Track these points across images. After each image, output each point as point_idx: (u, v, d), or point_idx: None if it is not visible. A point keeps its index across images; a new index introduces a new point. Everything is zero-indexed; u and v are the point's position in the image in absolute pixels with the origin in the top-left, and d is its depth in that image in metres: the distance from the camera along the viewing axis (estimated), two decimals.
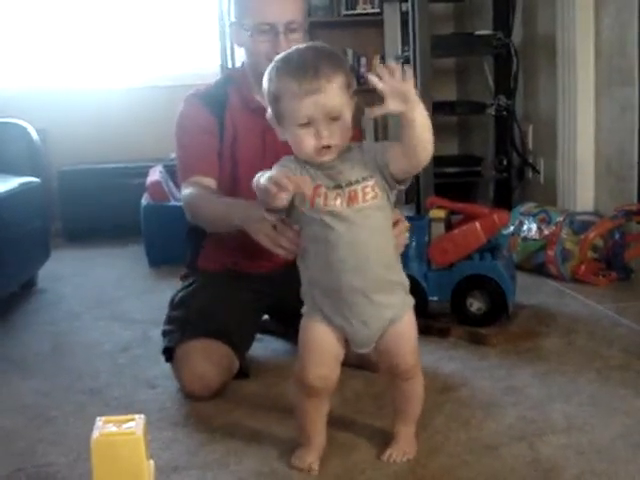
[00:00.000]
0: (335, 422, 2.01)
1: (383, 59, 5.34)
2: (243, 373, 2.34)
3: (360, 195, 1.61)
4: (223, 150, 2.40)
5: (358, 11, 5.41)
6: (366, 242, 1.63)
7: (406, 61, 4.67)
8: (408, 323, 1.75)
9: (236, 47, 2.64)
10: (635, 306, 2.91)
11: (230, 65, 4.89)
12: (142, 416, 1.39)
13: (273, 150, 2.40)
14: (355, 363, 2.36)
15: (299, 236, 1.80)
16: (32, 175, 3.71)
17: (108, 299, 3.46)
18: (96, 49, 5.36)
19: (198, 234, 2.48)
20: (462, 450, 1.84)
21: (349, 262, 1.63)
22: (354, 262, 1.63)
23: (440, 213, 2.80)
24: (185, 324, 2.31)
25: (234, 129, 2.40)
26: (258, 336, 2.56)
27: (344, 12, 5.41)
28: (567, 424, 1.95)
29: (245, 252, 2.42)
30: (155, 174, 4.37)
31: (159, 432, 2.00)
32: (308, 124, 1.57)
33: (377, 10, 5.32)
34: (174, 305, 2.45)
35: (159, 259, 4.03)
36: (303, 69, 1.56)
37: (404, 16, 4.77)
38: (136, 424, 1.36)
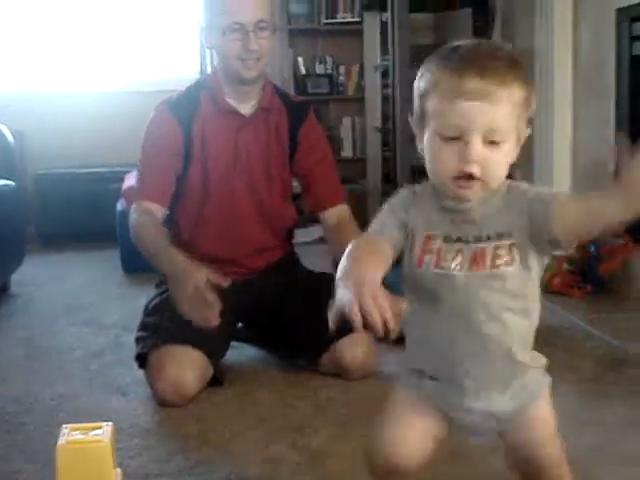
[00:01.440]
0: (308, 430, 2.01)
1: (362, 68, 5.35)
2: (217, 380, 2.33)
3: (489, 257, 1.20)
4: (192, 158, 2.41)
5: (338, 20, 5.41)
6: (484, 323, 1.22)
7: (385, 70, 4.70)
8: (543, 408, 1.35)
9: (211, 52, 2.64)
10: (609, 318, 2.93)
11: (210, 71, 4.88)
12: (110, 423, 1.37)
13: (245, 152, 2.41)
14: (329, 372, 2.37)
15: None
16: (7, 178, 3.68)
17: (82, 304, 3.43)
18: (75, 53, 5.33)
19: (172, 242, 2.46)
20: (437, 458, 1.83)
21: (459, 346, 1.24)
22: (466, 347, 1.24)
23: None
24: (159, 330, 2.30)
25: (203, 134, 2.41)
26: (233, 344, 2.54)
27: (324, 20, 5.41)
28: None
29: (220, 260, 2.42)
30: (131, 179, 4.32)
31: (130, 440, 1.98)
32: (456, 139, 1.16)
33: (357, 19, 5.33)
34: (148, 311, 2.44)
35: (134, 265, 3.99)
36: (471, 62, 1.16)
37: (384, 25, 4.80)
38: (103, 431, 1.34)
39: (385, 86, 5.00)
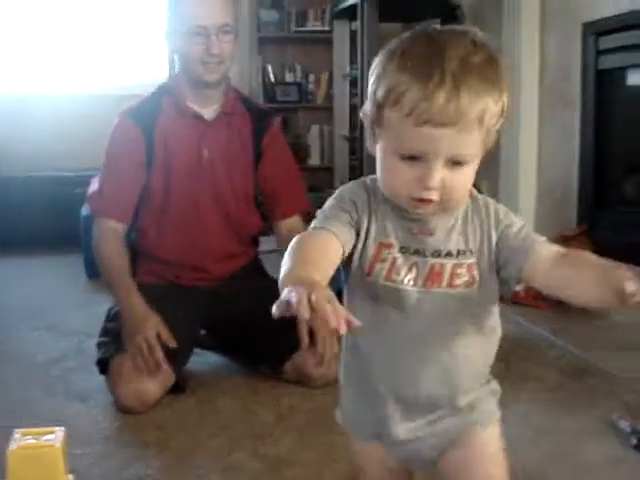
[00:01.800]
0: (270, 438, 2.00)
1: (331, 77, 5.36)
2: (179, 387, 2.31)
3: (446, 275, 1.09)
4: (154, 164, 2.40)
5: (308, 28, 5.43)
6: (432, 345, 1.11)
7: (354, 79, 4.71)
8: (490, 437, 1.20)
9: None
10: (572, 329, 2.94)
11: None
12: (62, 428, 1.34)
13: (208, 156, 2.41)
14: (292, 379, 2.36)
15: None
16: None
17: (44, 309, 3.39)
18: (41, 56, 5.28)
19: (136, 248, 2.45)
20: None
21: (395, 368, 1.13)
22: (402, 372, 1.13)
23: None
24: (120, 336, 2.28)
25: (165, 140, 2.40)
26: (196, 350, 2.53)
27: (294, 28, 5.43)
28: None
29: (184, 266, 2.42)
30: (97, 184, 4.30)
31: (89, 446, 1.96)
32: (416, 159, 1.02)
33: (327, 28, 5.35)
34: (110, 317, 2.42)
35: (98, 270, 3.95)
36: (441, 75, 0.99)
37: (353, 34, 4.81)
38: (55, 436, 1.32)
39: (354, 95, 5.01)
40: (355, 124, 4.71)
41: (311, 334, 2.29)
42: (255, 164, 2.49)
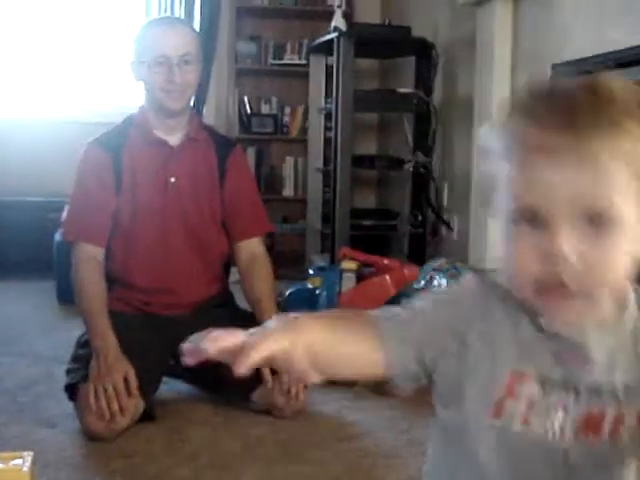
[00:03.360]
0: (237, 468, 2.01)
1: (307, 110, 5.42)
2: (148, 415, 2.32)
3: (608, 422, 0.77)
4: (122, 189, 2.44)
5: (285, 61, 5.48)
6: None
7: (328, 113, 4.77)
8: None
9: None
10: None
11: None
12: (31, 453, 1.35)
13: (175, 181, 2.45)
14: (261, 408, 2.38)
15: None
16: None
17: (15, 335, 3.38)
18: (10, 80, 5.28)
19: (107, 275, 2.47)
20: None
21: None
22: None
23: (352, 265, 2.85)
24: (88, 363, 2.28)
25: (132, 165, 2.45)
26: (165, 379, 2.54)
27: (271, 61, 5.48)
28: None
29: (155, 291, 2.44)
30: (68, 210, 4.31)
31: (55, 473, 1.96)
32: (532, 221, 0.75)
33: (304, 62, 5.40)
34: (81, 344, 2.43)
35: (69, 296, 3.93)
36: (560, 111, 0.74)
37: (329, 69, 4.87)
38: (23, 461, 1.33)
39: (328, 128, 5.06)
40: (328, 157, 4.76)
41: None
42: (220, 185, 2.53)
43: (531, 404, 0.78)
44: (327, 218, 4.74)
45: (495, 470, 0.78)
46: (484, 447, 0.79)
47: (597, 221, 0.71)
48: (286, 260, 4.78)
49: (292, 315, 0.82)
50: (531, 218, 0.74)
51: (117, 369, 2.22)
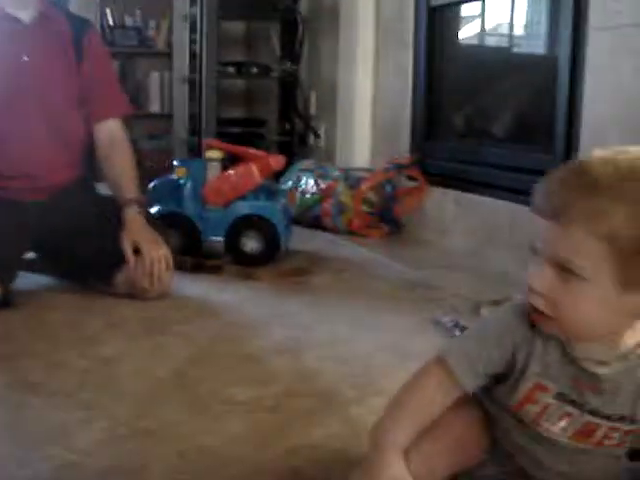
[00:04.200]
0: (99, 341, 1.97)
1: (172, 23, 5.27)
2: (5, 302, 2.23)
3: (599, 434, 0.98)
4: None
5: None
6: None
7: (193, 21, 4.66)
8: None
9: None
10: (403, 253, 3.05)
11: None
12: None
13: (29, 60, 2.35)
14: (123, 291, 2.33)
15: None
16: None
17: None
18: None
19: None
20: (226, 360, 1.84)
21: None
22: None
23: (216, 154, 2.80)
24: None
25: None
26: (25, 274, 2.44)
27: None
28: (331, 340, 2.00)
29: (13, 175, 2.34)
30: None
31: None
32: (535, 255, 0.94)
33: None
34: None
35: None
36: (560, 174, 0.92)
37: None
38: None
39: (193, 41, 4.95)
40: (194, 69, 4.66)
41: (137, 250, 2.29)
42: (76, 65, 2.43)
43: (544, 410, 0.98)
44: (194, 131, 4.67)
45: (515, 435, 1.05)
46: (506, 422, 1.05)
47: (565, 269, 0.88)
48: (154, 176, 4.68)
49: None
50: (534, 254, 0.93)
51: None
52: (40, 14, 2.36)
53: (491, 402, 1.08)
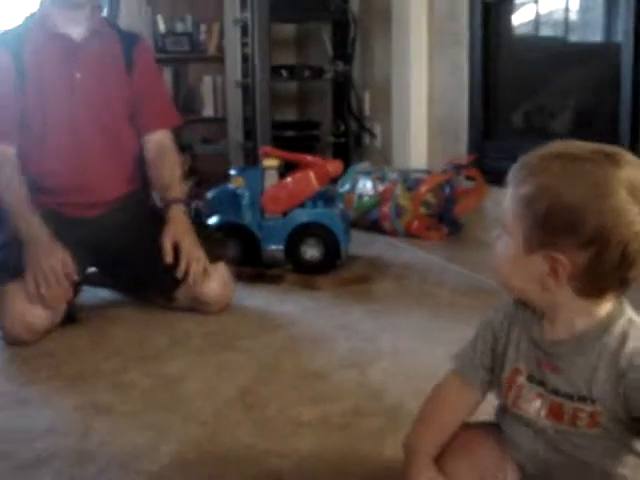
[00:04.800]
0: (165, 359, 1.97)
1: (222, 27, 5.28)
2: (71, 318, 2.25)
3: (567, 416, 1.02)
4: (27, 89, 2.32)
5: None
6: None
7: (244, 26, 4.66)
8: None
9: None
10: (463, 255, 3.01)
11: None
12: None
13: (81, 77, 2.36)
14: (185, 305, 2.33)
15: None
16: None
17: None
18: None
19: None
20: (292, 378, 1.83)
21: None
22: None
23: (273, 162, 2.79)
24: (6, 266, 2.19)
25: (36, 64, 2.33)
26: (86, 288, 2.47)
27: None
28: (396, 353, 1.98)
29: (70, 192, 2.36)
30: None
31: None
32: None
33: None
34: None
35: None
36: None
37: None
38: None
39: (245, 44, 4.95)
40: (247, 73, 4.66)
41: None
42: (127, 78, 2.45)
43: (519, 391, 1.07)
44: (249, 135, 4.67)
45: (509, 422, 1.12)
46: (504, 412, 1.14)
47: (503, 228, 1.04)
48: (210, 181, 4.70)
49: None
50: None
51: (55, 254, 2.14)
52: (91, 31, 2.38)
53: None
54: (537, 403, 1.05)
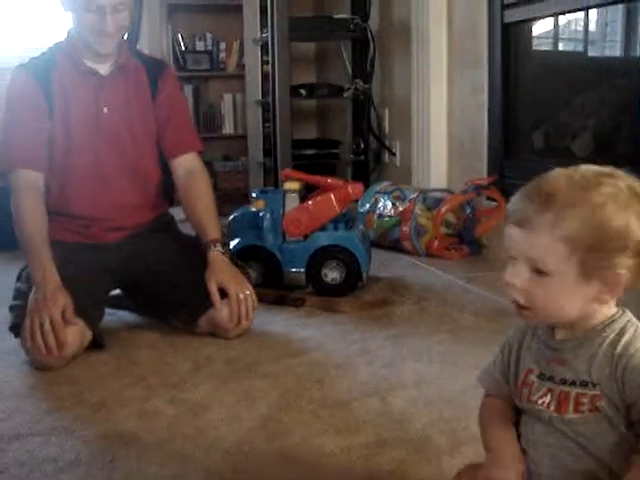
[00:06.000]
0: (188, 385, 1.99)
1: (242, 45, 5.31)
2: (97, 343, 2.26)
3: (571, 403, 1.10)
4: (54, 118, 2.36)
5: None
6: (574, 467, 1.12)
7: (264, 45, 4.68)
8: None
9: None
10: (485, 276, 3.00)
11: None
12: None
13: (107, 111, 2.39)
14: (207, 330, 2.35)
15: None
16: None
17: None
18: None
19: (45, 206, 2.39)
20: (314, 406, 1.84)
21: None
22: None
23: (294, 185, 2.80)
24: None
25: (63, 94, 2.36)
26: (110, 311, 2.49)
27: None
28: (418, 379, 1.98)
29: (94, 219, 2.39)
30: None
31: (1, 403, 1.91)
32: (511, 258, 1.10)
33: None
34: (22, 278, 2.36)
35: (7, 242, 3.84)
36: (526, 187, 1.09)
37: (263, 1, 4.77)
38: None
39: (265, 62, 4.98)
40: (267, 91, 4.68)
41: (223, 291, 2.30)
42: (153, 107, 2.48)
43: (531, 389, 1.14)
44: (269, 152, 4.69)
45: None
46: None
47: (537, 270, 1.06)
48: (230, 198, 4.73)
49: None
50: (511, 257, 1.09)
51: (54, 302, 2.13)
52: (118, 65, 2.41)
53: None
54: (547, 398, 1.13)
